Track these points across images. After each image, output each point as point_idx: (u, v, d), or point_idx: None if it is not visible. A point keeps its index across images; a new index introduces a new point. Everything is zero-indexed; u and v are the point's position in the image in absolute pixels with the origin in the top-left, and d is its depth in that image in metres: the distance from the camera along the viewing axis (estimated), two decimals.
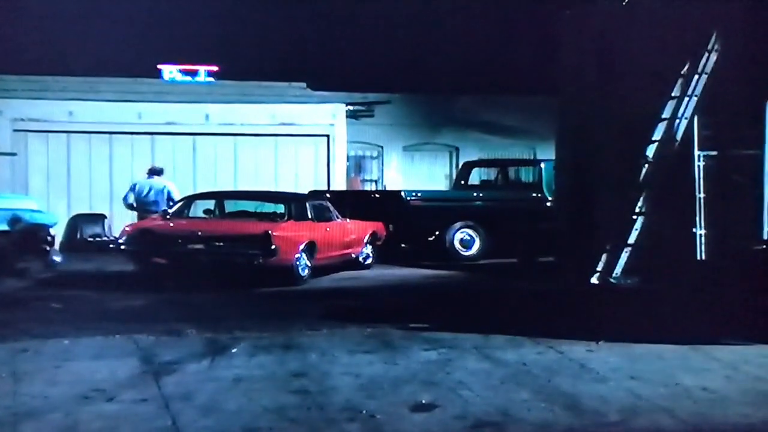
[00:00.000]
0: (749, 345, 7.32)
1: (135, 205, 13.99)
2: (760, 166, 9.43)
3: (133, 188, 14.16)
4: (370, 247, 13.84)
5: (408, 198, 15.09)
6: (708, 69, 10.11)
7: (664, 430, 5.27)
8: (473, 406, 5.65)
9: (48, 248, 13.08)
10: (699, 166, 9.88)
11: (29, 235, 12.84)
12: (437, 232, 14.89)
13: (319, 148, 18.33)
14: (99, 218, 17.05)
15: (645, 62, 10.37)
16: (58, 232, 14.80)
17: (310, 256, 11.89)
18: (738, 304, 7.99)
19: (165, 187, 14.01)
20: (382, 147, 21.68)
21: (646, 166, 10.55)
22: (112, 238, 15.69)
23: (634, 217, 10.57)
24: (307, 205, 12.66)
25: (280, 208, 12.53)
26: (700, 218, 9.81)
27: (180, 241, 11.59)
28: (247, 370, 6.58)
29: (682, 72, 10.29)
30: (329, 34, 24.81)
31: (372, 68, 22.32)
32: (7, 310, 9.31)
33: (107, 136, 17.32)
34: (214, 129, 17.80)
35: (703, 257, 9.74)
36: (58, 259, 13.16)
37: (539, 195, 15.44)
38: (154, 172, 14.36)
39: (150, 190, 13.92)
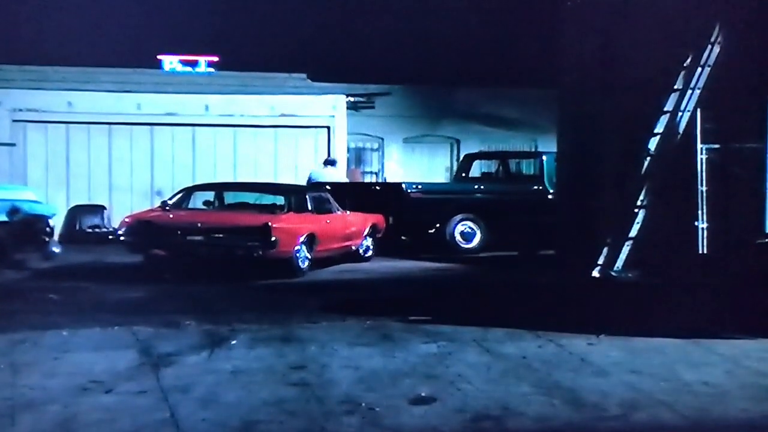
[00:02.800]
0: (750, 339, 7.30)
1: None
2: (763, 159, 9.40)
3: (311, 177, 15.41)
4: (370, 239, 13.81)
5: (408, 190, 15.04)
6: (711, 61, 10.07)
7: (665, 424, 5.25)
8: (473, 399, 5.63)
9: (47, 239, 13.05)
10: (701, 159, 9.84)
11: (28, 226, 12.81)
12: (438, 225, 14.84)
13: (319, 140, 18.28)
14: (98, 209, 17.02)
15: (647, 54, 10.32)
16: (56, 223, 14.78)
17: (310, 249, 11.86)
18: (740, 298, 7.96)
19: (336, 176, 15.50)
20: (382, 139, 21.62)
21: (648, 159, 10.52)
22: (111, 229, 15.66)
23: (636, 210, 10.55)
24: (307, 196, 12.62)
25: (280, 200, 12.49)
26: (702, 212, 9.78)
27: (179, 232, 11.55)
28: (246, 362, 6.55)
29: (685, 64, 10.25)
30: (330, 25, 24.71)
31: (373, 59, 22.23)
32: (6, 301, 9.28)
33: (106, 126, 17.26)
34: (213, 120, 17.75)
35: (705, 251, 9.71)
36: (56, 250, 13.12)
37: (540, 188, 15.40)
38: (329, 162, 15.91)
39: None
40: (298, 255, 11.59)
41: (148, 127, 17.47)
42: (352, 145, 20.47)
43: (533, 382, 6.05)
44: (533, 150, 19.88)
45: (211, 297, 9.77)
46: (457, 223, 14.92)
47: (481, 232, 14.96)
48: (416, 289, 10.93)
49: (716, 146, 9.86)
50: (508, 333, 7.55)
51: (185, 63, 19.85)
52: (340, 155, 18.42)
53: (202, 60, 19.90)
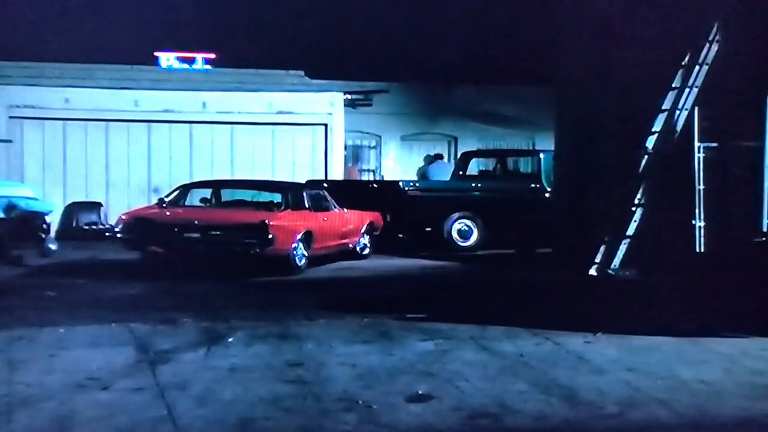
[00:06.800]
0: (748, 338, 7.30)
1: None
2: (760, 158, 9.41)
3: (428, 173, 17.89)
4: (368, 237, 13.80)
5: (406, 188, 15.03)
6: (709, 60, 10.09)
7: (662, 422, 5.25)
8: (470, 397, 5.63)
9: (44, 236, 13.04)
10: (699, 157, 9.86)
11: (25, 223, 12.79)
12: (435, 223, 14.84)
13: (317, 137, 18.27)
14: (95, 206, 17.00)
15: (645, 53, 10.33)
16: (53, 220, 14.75)
17: (307, 246, 11.85)
18: (737, 297, 7.97)
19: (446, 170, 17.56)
20: (380, 136, 21.60)
21: (646, 157, 10.53)
22: (108, 226, 15.64)
23: (633, 208, 10.56)
24: (304, 194, 12.61)
25: (277, 198, 12.48)
26: (699, 210, 9.79)
27: (176, 229, 11.54)
28: (243, 359, 6.54)
29: (683, 63, 10.27)
30: (328, 22, 24.69)
31: (370, 57, 22.22)
32: (3, 297, 9.26)
33: (103, 123, 17.23)
34: (211, 117, 17.72)
35: (703, 249, 9.73)
36: (53, 247, 13.11)
37: (538, 186, 15.40)
38: (438, 156, 18.78)
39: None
40: (295, 252, 11.58)
41: (146, 124, 17.44)
42: (350, 143, 20.45)
43: (530, 379, 6.05)
44: (531, 148, 19.88)
45: (209, 294, 9.75)
46: (454, 221, 14.92)
47: (478, 230, 14.96)
48: (413, 286, 10.93)
49: (714, 145, 9.88)
50: (505, 331, 7.55)
51: (182, 60, 19.82)
52: (337, 153, 18.42)
53: (200, 57, 19.86)
